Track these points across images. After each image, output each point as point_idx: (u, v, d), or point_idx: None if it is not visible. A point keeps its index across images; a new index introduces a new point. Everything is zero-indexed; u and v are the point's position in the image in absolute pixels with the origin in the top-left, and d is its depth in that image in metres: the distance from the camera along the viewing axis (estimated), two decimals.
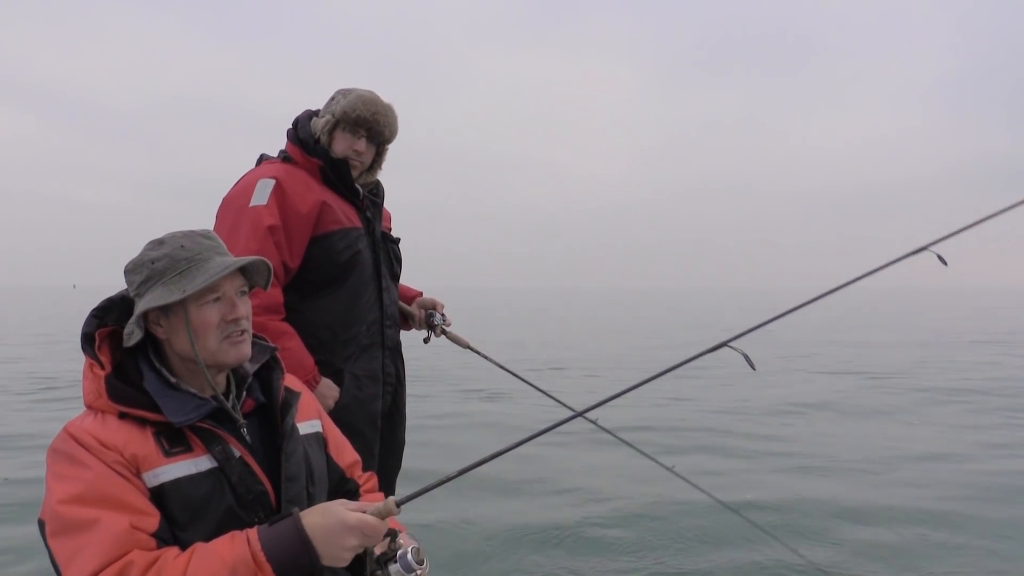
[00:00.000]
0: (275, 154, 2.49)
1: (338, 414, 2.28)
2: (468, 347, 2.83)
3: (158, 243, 1.46)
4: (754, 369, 1.60)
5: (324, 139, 2.38)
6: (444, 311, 2.79)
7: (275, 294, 2.24)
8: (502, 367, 2.90)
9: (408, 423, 2.72)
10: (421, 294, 2.84)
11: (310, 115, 2.46)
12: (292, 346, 2.24)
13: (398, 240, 2.63)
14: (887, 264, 1.53)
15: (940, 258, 1.45)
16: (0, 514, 4.41)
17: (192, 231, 1.49)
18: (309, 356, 2.28)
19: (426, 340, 2.78)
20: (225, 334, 1.45)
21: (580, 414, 1.76)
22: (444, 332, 2.77)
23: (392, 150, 2.58)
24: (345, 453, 1.73)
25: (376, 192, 2.58)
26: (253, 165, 2.50)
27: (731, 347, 1.62)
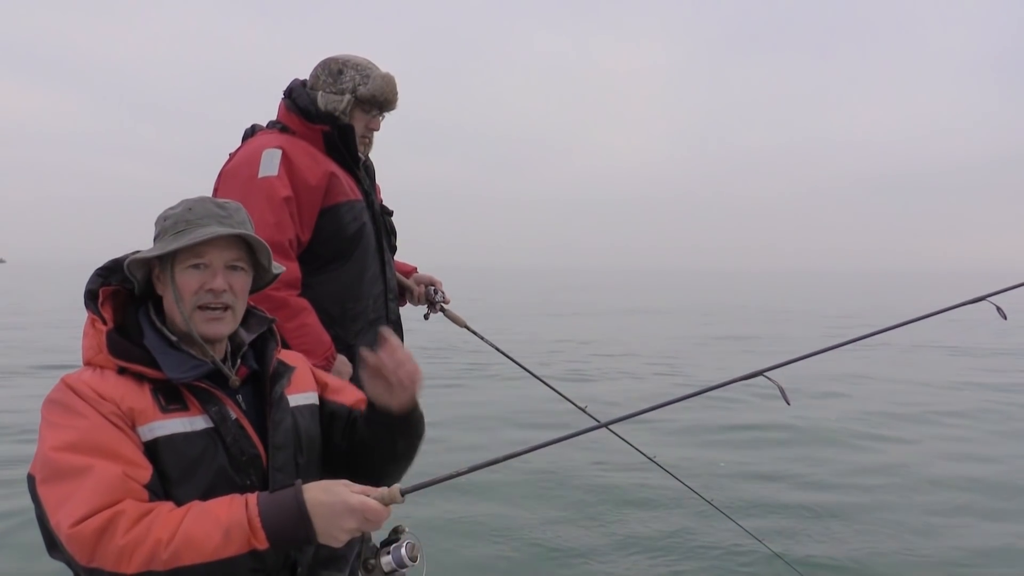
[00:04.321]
0: (265, 126, 2.39)
1: None
2: (465, 327, 2.80)
3: (179, 204, 1.48)
4: (788, 404, 1.56)
5: (344, 118, 2.34)
6: (443, 288, 2.78)
7: (294, 268, 2.19)
8: (497, 349, 2.86)
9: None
10: (416, 269, 2.82)
11: (303, 84, 2.39)
12: (311, 322, 2.19)
13: (392, 212, 2.61)
14: (944, 310, 1.52)
15: (999, 310, 1.43)
16: None
17: (207, 198, 1.48)
18: (326, 333, 2.24)
19: (426, 316, 2.79)
20: (200, 303, 1.42)
21: (604, 425, 1.72)
22: (443, 310, 2.78)
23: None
24: (347, 392, 1.68)
25: (368, 165, 2.55)
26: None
27: (767, 377, 1.59)
